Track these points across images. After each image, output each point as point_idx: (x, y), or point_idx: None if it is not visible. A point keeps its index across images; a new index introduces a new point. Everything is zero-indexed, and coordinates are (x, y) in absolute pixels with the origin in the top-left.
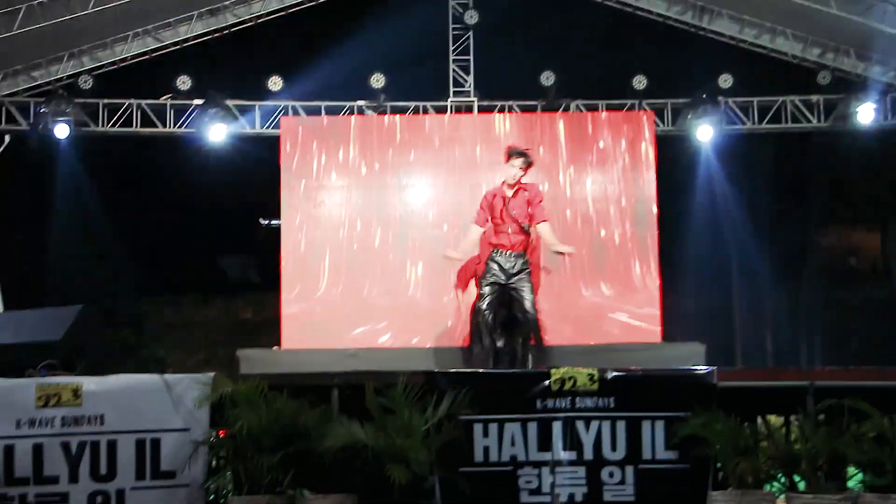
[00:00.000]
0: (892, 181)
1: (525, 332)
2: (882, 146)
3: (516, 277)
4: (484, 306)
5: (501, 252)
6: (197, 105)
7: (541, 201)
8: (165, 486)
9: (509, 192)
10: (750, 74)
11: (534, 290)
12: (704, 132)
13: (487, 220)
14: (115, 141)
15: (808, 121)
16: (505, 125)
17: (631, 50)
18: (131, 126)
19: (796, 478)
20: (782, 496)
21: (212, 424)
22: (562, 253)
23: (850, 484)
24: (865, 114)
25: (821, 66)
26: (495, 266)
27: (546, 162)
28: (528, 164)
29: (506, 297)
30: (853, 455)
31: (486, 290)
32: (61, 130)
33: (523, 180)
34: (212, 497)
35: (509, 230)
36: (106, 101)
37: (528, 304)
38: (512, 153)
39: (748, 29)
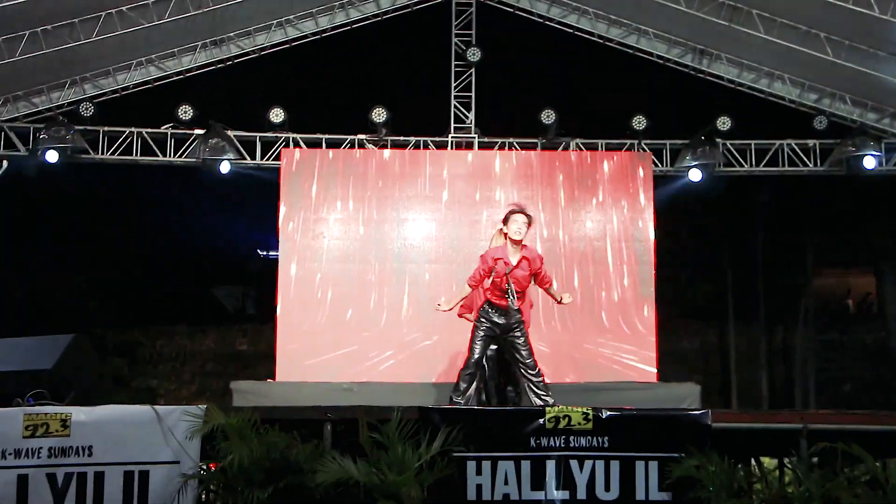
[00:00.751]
0: (887, 225)
1: (518, 373)
2: (876, 190)
3: (511, 332)
4: (476, 354)
5: (499, 309)
6: (198, 135)
7: (542, 262)
8: None
9: (513, 258)
10: (748, 117)
11: (526, 334)
12: (695, 174)
13: (484, 280)
14: (113, 169)
15: (805, 164)
16: (505, 163)
17: (631, 90)
18: (131, 154)
19: None
20: None
21: (203, 457)
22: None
23: None
24: (868, 161)
25: (817, 111)
26: (491, 323)
27: (544, 200)
28: (531, 223)
29: (498, 343)
30: (846, 499)
31: (479, 343)
32: (51, 156)
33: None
34: None
35: (510, 293)
36: (106, 128)
37: (523, 352)
38: (515, 210)
39: (746, 73)
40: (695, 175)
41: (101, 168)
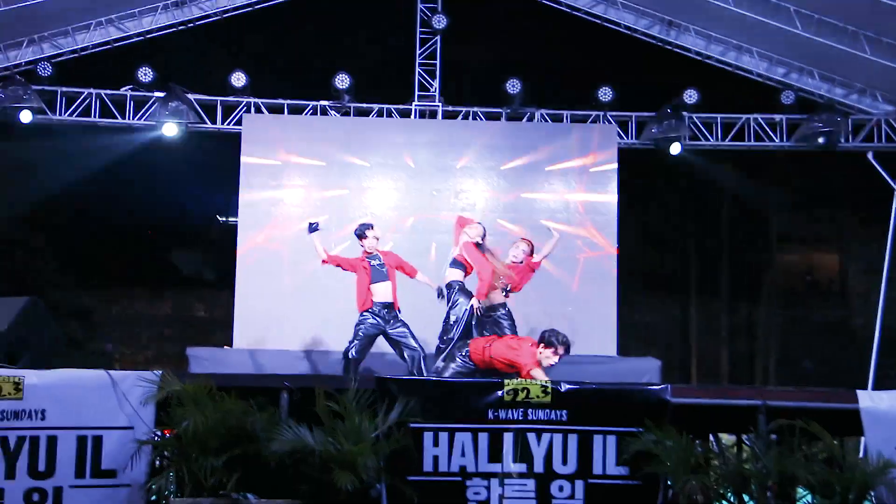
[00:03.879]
0: (851, 202)
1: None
2: (842, 167)
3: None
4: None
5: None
6: (158, 97)
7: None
8: (105, 485)
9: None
10: (715, 91)
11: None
12: (675, 148)
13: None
14: (71, 130)
15: (771, 139)
16: (469, 132)
17: (597, 61)
18: (90, 116)
19: (746, 497)
20: None
21: (157, 423)
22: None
23: None
24: (833, 138)
25: (785, 86)
26: (469, 311)
27: (508, 170)
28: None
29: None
30: (803, 476)
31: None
32: (25, 116)
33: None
34: (153, 498)
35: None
36: (65, 89)
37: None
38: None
39: (714, 45)
40: (675, 149)
41: (59, 129)
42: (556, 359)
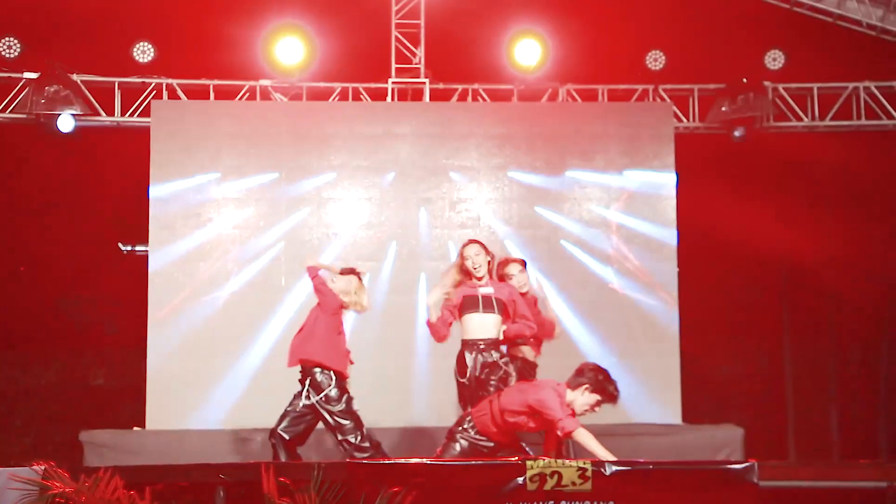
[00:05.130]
0: None
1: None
2: None
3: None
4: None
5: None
6: (29, 79)
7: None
8: None
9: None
10: (809, 52)
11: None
12: (739, 132)
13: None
14: None
15: (890, 116)
16: (468, 118)
17: (643, 18)
18: None
19: None
20: None
21: None
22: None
23: None
24: None
25: None
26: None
27: (524, 170)
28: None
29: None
30: None
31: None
32: None
33: None
34: None
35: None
36: None
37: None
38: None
39: None
40: (736, 132)
41: None
42: (600, 403)
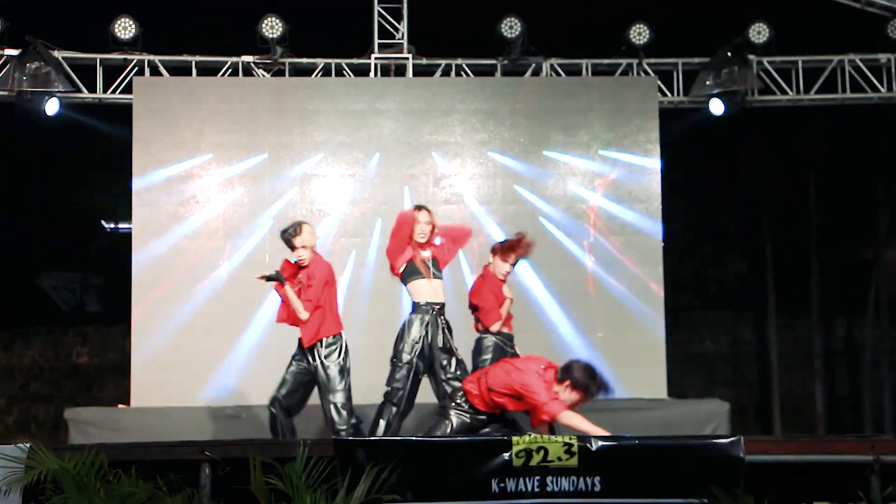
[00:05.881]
0: None
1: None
2: None
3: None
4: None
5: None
6: (10, 57)
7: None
8: None
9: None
10: (794, 25)
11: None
12: (716, 105)
13: None
14: None
15: (875, 89)
16: (451, 93)
17: None
18: None
19: None
20: None
21: None
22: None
23: None
24: None
25: (893, 13)
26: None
27: (507, 146)
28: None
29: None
30: None
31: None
32: None
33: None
34: None
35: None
36: None
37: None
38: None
39: None
40: (717, 107)
41: None
42: (582, 402)
